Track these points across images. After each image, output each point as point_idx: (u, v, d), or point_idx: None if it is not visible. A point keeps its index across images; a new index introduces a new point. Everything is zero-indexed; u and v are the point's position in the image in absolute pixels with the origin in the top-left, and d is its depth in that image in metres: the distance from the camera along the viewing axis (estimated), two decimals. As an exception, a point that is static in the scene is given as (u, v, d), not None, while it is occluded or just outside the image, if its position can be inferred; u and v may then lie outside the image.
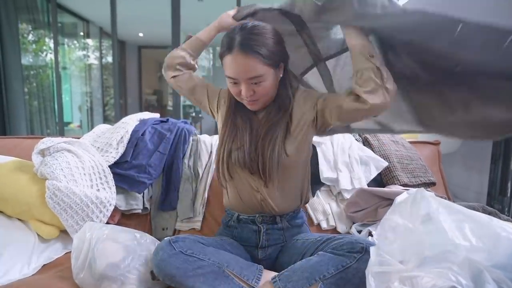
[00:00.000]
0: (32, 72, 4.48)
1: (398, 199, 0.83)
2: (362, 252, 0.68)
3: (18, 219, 0.98)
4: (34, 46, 4.58)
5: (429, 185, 1.25)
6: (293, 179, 0.87)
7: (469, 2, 2.27)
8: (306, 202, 0.94)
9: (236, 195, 0.88)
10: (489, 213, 0.92)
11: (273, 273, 0.75)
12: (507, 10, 2.06)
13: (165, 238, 0.76)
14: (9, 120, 3.86)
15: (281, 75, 0.83)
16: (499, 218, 0.91)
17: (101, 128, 1.35)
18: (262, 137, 0.83)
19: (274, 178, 0.83)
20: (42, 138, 1.13)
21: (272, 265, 0.88)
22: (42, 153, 1.05)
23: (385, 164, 1.23)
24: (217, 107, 0.94)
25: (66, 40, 5.96)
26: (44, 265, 0.89)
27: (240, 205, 0.89)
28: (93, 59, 6.49)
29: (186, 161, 1.25)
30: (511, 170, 1.99)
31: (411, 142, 1.40)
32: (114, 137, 1.22)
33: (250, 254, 0.88)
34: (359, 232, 1.09)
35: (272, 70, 0.79)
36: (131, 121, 1.31)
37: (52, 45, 4.52)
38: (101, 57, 6.43)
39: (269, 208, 0.86)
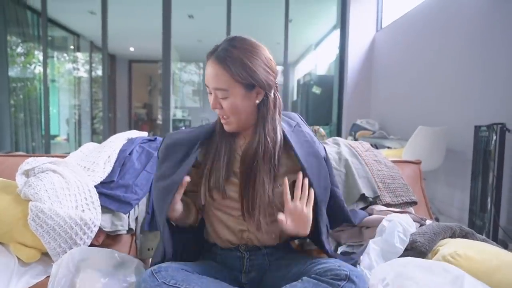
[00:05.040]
0: (19, 84, 4.43)
1: (379, 228, 0.88)
2: (346, 279, 0.69)
3: (-1, 242, 0.96)
4: (22, 58, 4.54)
5: (410, 204, 1.29)
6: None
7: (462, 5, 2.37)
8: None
9: (218, 230, 0.88)
10: (466, 234, 0.95)
11: (256, 298, 0.75)
12: (496, 14, 2.16)
13: (148, 269, 0.74)
14: (-7, 133, 3.79)
15: (257, 101, 0.80)
16: (476, 238, 0.95)
17: (88, 147, 1.35)
18: (247, 176, 0.80)
19: (259, 219, 0.81)
20: (27, 156, 1.12)
21: (257, 287, 0.88)
22: (27, 173, 1.04)
23: (368, 183, 1.26)
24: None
25: (56, 53, 5.94)
26: (24, 290, 0.87)
27: (222, 240, 0.89)
28: (82, 72, 6.47)
29: (173, 180, 1.26)
30: (490, 186, 2.06)
31: (393, 161, 1.44)
32: (101, 156, 1.22)
33: (234, 277, 0.88)
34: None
35: (243, 89, 0.77)
36: (118, 140, 1.32)
37: (40, 57, 4.50)
38: (91, 71, 6.42)
39: (253, 242, 0.88)
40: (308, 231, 0.81)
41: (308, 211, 0.79)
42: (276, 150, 0.81)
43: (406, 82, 3.37)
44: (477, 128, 2.15)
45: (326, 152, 0.93)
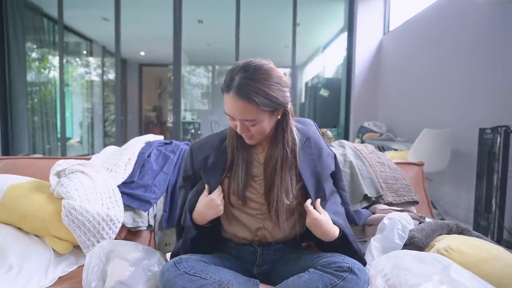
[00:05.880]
0: (34, 89, 4.60)
1: (380, 226, 0.95)
2: (348, 271, 0.76)
3: (35, 235, 1.07)
4: (37, 63, 4.71)
5: (412, 203, 1.35)
6: (295, 216, 0.95)
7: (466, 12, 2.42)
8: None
9: (235, 228, 0.95)
10: (462, 230, 1.01)
11: (269, 288, 0.83)
12: (500, 19, 2.21)
13: (170, 260, 0.83)
14: (13, 136, 3.96)
15: (279, 117, 0.87)
16: (471, 234, 1.01)
17: (110, 150, 1.46)
18: (271, 182, 0.87)
19: (281, 218, 0.89)
20: (55, 159, 1.23)
21: (267, 279, 0.96)
22: (58, 174, 1.15)
23: (371, 184, 1.33)
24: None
25: (69, 57, 6.13)
26: (60, 277, 0.98)
27: (238, 237, 0.96)
28: (94, 76, 6.66)
29: (188, 181, 1.35)
30: (495, 187, 2.10)
31: (396, 163, 1.51)
32: (122, 158, 1.33)
33: (246, 269, 0.96)
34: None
35: (268, 114, 0.83)
36: (137, 144, 1.42)
37: (54, 62, 4.67)
38: (102, 75, 6.61)
39: (267, 239, 0.95)
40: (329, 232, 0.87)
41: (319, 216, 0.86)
42: (294, 158, 0.89)
43: (413, 85, 3.41)
44: (482, 131, 2.19)
45: (336, 158, 1.01)
